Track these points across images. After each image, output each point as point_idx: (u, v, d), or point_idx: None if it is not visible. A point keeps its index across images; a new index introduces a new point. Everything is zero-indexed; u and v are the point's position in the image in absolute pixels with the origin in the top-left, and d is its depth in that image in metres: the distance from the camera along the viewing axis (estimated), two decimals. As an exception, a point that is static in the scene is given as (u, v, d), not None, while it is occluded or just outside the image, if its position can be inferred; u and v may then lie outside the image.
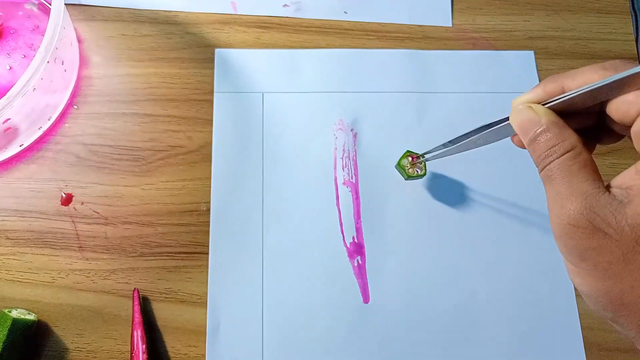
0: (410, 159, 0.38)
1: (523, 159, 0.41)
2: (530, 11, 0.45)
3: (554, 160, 0.23)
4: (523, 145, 0.26)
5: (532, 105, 0.24)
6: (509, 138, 0.29)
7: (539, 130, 0.23)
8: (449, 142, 0.34)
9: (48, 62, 0.34)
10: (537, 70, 0.44)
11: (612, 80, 0.21)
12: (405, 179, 0.38)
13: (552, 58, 0.44)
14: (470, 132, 0.31)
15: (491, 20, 0.45)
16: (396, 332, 0.37)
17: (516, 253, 0.39)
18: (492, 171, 0.41)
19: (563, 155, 0.23)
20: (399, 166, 0.38)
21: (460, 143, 0.32)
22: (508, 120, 0.27)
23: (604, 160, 0.42)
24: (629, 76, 0.21)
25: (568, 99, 0.23)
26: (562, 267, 0.38)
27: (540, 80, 0.43)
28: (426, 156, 0.36)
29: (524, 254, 0.39)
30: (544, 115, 0.24)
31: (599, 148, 0.41)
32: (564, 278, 0.38)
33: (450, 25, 0.44)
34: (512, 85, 0.43)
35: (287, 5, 0.44)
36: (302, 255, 0.38)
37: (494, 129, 0.29)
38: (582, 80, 0.23)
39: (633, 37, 0.45)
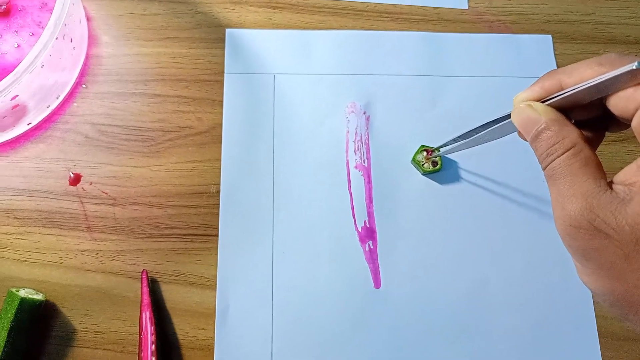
0: (425, 153, 0.37)
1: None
2: (549, -6, 0.44)
3: (555, 159, 0.23)
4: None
5: (532, 104, 0.24)
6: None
7: (540, 128, 0.23)
8: (459, 137, 0.34)
9: (57, 38, 0.33)
10: (555, 54, 0.43)
11: (606, 78, 0.21)
12: (422, 174, 0.38)
13: (570, 42, 0.43)
14: (476, 128, 0.31)
15: (508, 3, 0.44)
16: (407, 317, 0.36)
17: (530, 240, 0.38)
18: (505, 158, 0.40)
19: (564, 153, 0.22)
20: (414, 162, 0.38)
21: (468, 139, 0.32)
22: (510, 117, 0.26)
23: (622, 147, 0.41)
24: (624, 73, 0.21)
25: (565, 96, 0.23)
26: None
27: (557, 65, 0.42)
28: (441, 150, 0.36)
29: (537, 241, 0.38)
30: (543, 114, 0.23)
31: (618, 134, 0.40)
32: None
33: (466, 7, 0.43)
34: (529, 69, 0.42)
35: (300, -15, 0.43)
36: (313, 239, 0.37)
37: (498, 126, 0.29)
38: (579, 77, 0.23)
39: (653, 22, 0.44)
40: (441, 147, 0.36)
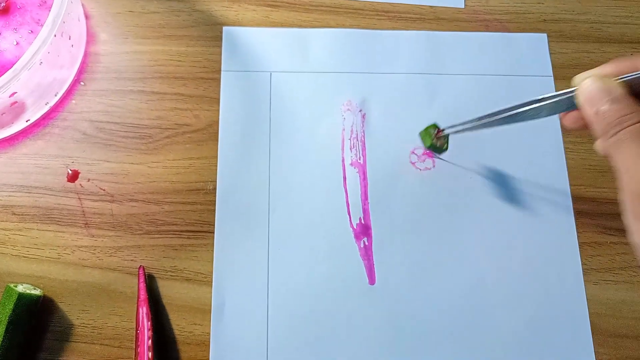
0: (436, 131, 0.37)
1: (532, 146, 0.40)
2: (545, -7, 0.44)
3: (625, 128, 0.24)
4: (575, 123, 0.28)
5: (603, 78, 0.26)
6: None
7: (611, 98, 0.25)
8: (485, 116, 0.33)
9: (55, 36, 0.33)
10: (550, 53, 0.43)
11: None
12: (427, 147, 0.38)
13: (565, 41, 0.43)
14: (516, 105, 0.31)
15: (504, 2, 0.44)
16: (402, 313, 0.36)
17: (524, 238, 0.38)
18: (501, 156, 0.40)
19: (635, 124, 0.24)
20: (425, 132, 0.38)
21: (492, 119, 0.32)
22: (572, 93, 0.27)
23: None
24: None
25: (634, 78, 0.25)
26: (570, 253, 0.38)
27: (552, 64, 0.43)
28: (455, 128, 0.36)
29: (532, 240, 0.38)
30: (616, 87, 0.25)
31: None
32: (572, 264, 0.38)
33: (463, 6, 0.44)
34: (524, 68, 0.43)
35: (297, -17, 0.43)
36: (308, 235, 0.38)
37: (550, 102, 0.29)
38: None
39: (649, 21, 0.44)
40: (453, 126, 0.36)
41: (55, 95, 0.39)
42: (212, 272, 0.37)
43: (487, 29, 0.43)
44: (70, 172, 0.38)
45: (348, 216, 0.38)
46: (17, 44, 0.40)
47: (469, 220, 0.39)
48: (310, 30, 0.42)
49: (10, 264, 0.36)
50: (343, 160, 0.40)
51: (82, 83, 0.40)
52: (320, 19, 0.43)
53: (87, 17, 0.42)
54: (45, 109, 0.39)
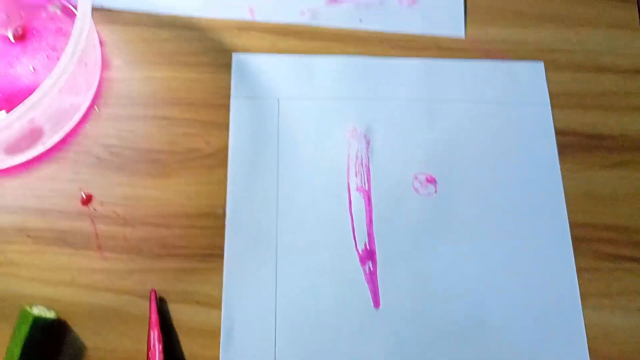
0: None
1: (530, 174, 0.42)
2: (542, 24, 0.46)
3: None
4: None
5: None
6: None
7: None
8: None
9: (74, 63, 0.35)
10: (547, 82, 0.45)
11: None
12: None
13: (561, 70, 0.45)
14: None
15: (503, 31, 0.46)
16: (406, 337, 0.38)
17: (524, 263, 0.40)
18: (500, 184, 0.41)
19: None
20: None
21: None
22: None
23: (612, 173, 0.42)
24: None
25: None
26: (568, 278, 0.39)
27: (549, 92, 0.44)
28: None
29: (531, 265, 0.40)
30: None
31: (606, 159, 0.42)
32: (570, 289, 0.39)
33: (464, 36, 0.45)
34: (521, 95, 0.44)
35: (304, 12, 0.45)
36: (315, 260, 0.39)
37: None
38: None
39: (642, 51, 0.46)
40: None
41: (71, 120, 0.40)
42: (221, 296, 0.38)
43: (487, 56, 0.45)
44: (84, 195, 0.39)
45: (354, 241, 0.40)
46: (34, 69, 0.41)
47: (470, 245, 0.40)
48: (316, 57, 0.44)
49: (24, 287, 0.37)
50: (349, 186, 0.41)
51: (96, 108, 0.41)
52: (326, 46, 0.44)
53: (101, 43, 0.43)
54: (62, 134, 0.40)
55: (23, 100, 0.32)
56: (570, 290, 0.39)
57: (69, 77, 0.34)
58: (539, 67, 0.45)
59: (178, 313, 0.37)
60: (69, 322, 0.37)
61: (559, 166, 0.42)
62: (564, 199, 0.41)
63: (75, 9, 0.42)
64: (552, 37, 0.46)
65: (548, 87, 0.44)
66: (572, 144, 0.43)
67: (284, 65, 0.43)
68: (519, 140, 0.43)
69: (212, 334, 0.37)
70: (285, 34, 0.44)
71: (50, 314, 0.36)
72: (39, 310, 0.36)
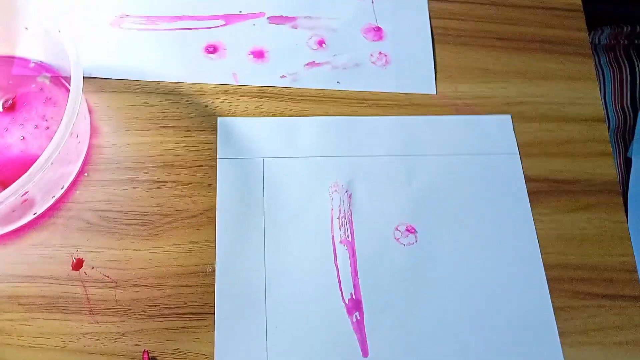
0: None
1: (504, 220, 0.44)
2: (507, 79, 0.50)
3: None
4: None
5: None
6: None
7: None
8: None
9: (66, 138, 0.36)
10: (515, 132, 0.48)
11: None
12: None
13: (528, 121, 0.48)
14: None
15: (472, 88, 0.49)
16: (395, 385, 0.39)
17: (504, 304, 0.41)
18: (475, 231, 0.44)
19: None
20: None
21: None
22: None
23: (580, 215, 0.45)
24: None
25: None
26: (546, 319, 0.41)
27: (517, 142, 0.47)
28: None
29: (511, 305, 0.41)
30: None
31: (574, 203, 0.45)
32: (548, 329, 0.41)
33: (435, 92, 0.48)
34: (492, 146, 0.47)
35: (285, 76, 0.48)
36: (303, 312, 0.40)
37: None
38: None
39: (599, 100, 0.50)
40: None
41: (62, 189, 0.41)
42: (213, 353, 0.38)
43: (457, 112, 0.48)
44: (74, 260, 0.40)
45: (340, 292, 0.41)
46: (24, 138, 0.43)
47: (451, 291, 0.42)
48: (298, 119, 0.46)
49: (16, 355, 0.37)
50: (333, 239, 0.43)
51: (85, 174, 0.43)
52: (307, 107, 0.47)
53: (90, 111, 0.45)
54: (52, 201, 0.41)
55: (12, 170, 0.34)
56: (549, 330, 0.41)
57: (61, 150, 0.36)
58: (507, 120, 0.48)
59: (170, 373, 0.38)
60: (61, 389, 0.37)
61: (530, 211, 0.45)
62: (537, 242, 0.44)
63: (64, 79, 0.44)
64: (517, 91, 0.49)
65: (516, 137, 0.47)
66: (541, 190, 0.45)
67: (267, 128, 0.46)
68: (492, 188, 0.45)
69: (205, 393, 0.37)
70: (268, 97, 0.47)
71: (42, 382, 0.36)
72: (31, 379, 0.36)
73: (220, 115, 0.46)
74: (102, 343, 0.38)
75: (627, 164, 0.68)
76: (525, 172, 0.46)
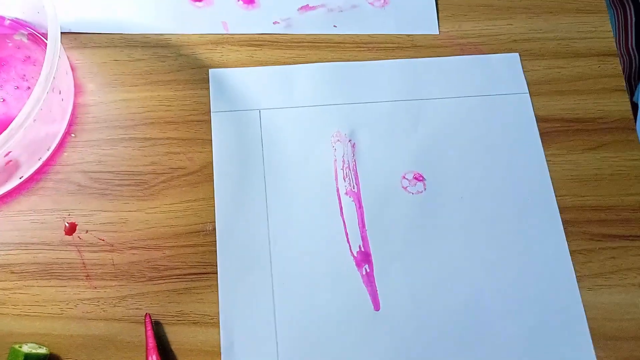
0: None
1: (516, 162, 0.42)
2: (513, 15, 0.47)
3: None
4: None
5: None
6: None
7: None
8: None
9: (47, 92, 0.34)
10: (524, 71, 0.45)
11: None
12: None
13: (536, 59, 0.45)
14: None
15: (476, 26, 0.46)
16: (407, 337, 0.37)
17: (518, 252, 0.40)
18: (487, 176, 0.42)
19: None
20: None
21: None
22: None
23: (594, 155, 0.43)
24: None
25: None
26: (562, 262, 0.39)
27: (527, 81, 0.45)
28: None
29: (525, 253, 0.40)
30: None
31: (588, 142, 0.42)
32: (565, 273, 0.39)
33: (437, 32, 0.46)
34: (500, 87, 0.44)
35: (278, 22, 0.45)
36: (311, 267, 0.38)
37: None
38: None
39: (611, 33, 0.47)
40: None
41: (48, 150, 0.39)
42: (218, 313, 0.37)
43: (462, 52, 0.45)
44: (67, 225, 0.38)
45: (348, 245, 0.39)
46: (4, 100, 0.40)
47: (462, 239, 0.40)
48: (294, 67, 0.43)
49: (12, 324, 0.36)
50: (338, 191, 0.40)
51: (72, 135, 0.40)
52: (303, 54, 0.44)
53: (73, 69, 0.42)
54: (39, 164, 0.39)
55: (-4, 132, 0.32)
56: (566, 274, 0.39)
57: (43, 106, 0.33)
58: (515, 58, 0.45)
59: (175, 335, 0.36)
60: (62, 356, 0.35)
61: (543, 153, 0.43)
62: (551, 185, 0.42)
63: (43, 36, 0.42)
64: (524, 27, 0.47)
65: (525, 76, 0.45)
66: (553, 130, 0.43)
67: (262, 77, 0.43)
68: (502, 130, 0.43)
69: (212, 354, 0.36)
70: (261, 45, 0.44)
71: (41, 350, 0.35)
72: (29, 348, 0.34)
73: (212, 67, 0.43)
74: (102, 308, 0.36)
75: (634, 109, 0.65)
76: (536, 112, 0.44)
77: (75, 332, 0.36)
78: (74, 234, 0.38)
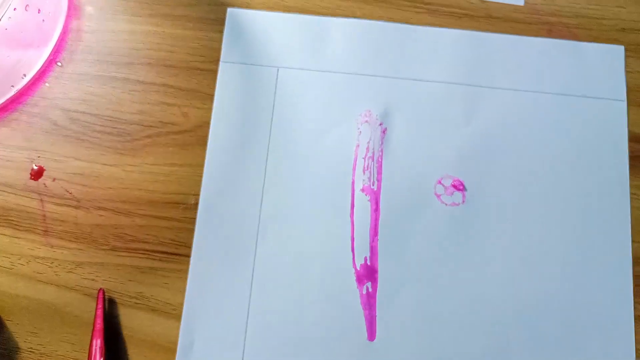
0: None
1: (593, 190, 0.33)
2: (628, -5, 0.36)
3: None
4: None
5: None
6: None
7: None
8: None
9: (15, 9, 0.28)
10: (626, 71, 0.34)
11: None
12: None
13: (647, 58, 0.35)
14: None
15: (575, 3, 0.36)
16: (403, 380, 0.30)
17: (567, 306, 0.31)
18: (551, 197, 0.32)
19: None
20: None
21: None
22: None
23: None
24: None
25: None
26: (624, 330, 0.30)
27: (627, 85, 0.34)
28: None
29: (579, 305, 0.31)
30: None
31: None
32: (625, 345, 0.30)
33: (522, 3, 0.35)
34: (591, 87, 0.34)
35: (321, -39, 0.36)
36: (301, 273, 0.31)
37: None
38: None
39: None
40: None
41: (23, 77, 0.33)
42: (182, 305, 0.31)
43: (550, 34, 0.35)
44: (35, 167, 0.33)
45: (352, 254, 0.32)
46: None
47: (501, 274, 0.31)
48: (329, 19, 0.35)
49: (-46, 270, 0.32)
50: (353, 184, 0.33)
51: (58, 64, 0.34)
52: (344, 6, 0.35)
53: (71, -15, 0.36)
54: (12, 92, 0.33)
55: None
56: (625, 345, 0.30)
57: (8, 26, 0.27)
58: (618, 52, 0.35)
59: (130, 320, 0.31)
60: (4, 317, 0.31)
61: (628, 182, 0.33)
62: (629, 226, 0.32)
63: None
64: (638, 14, 0.35)
65: (626, 78, 0.34)
66: (649, 155, 0.33)
67: (288, 27, 0.35)
68: (580, 144, 0.33)
69: (167, 350, 0.31)
70: (295, -13, 0.36)
71: (-20, 307, 0.30)
72: (-35, 301, 0.30)
73: (231, 5, 0.35)
74: (55, 272, 0.31)
75: None
76: (631, 127, 0.34)
77: (21, 292, 0.31)
78: (39, 180, 0.33)
